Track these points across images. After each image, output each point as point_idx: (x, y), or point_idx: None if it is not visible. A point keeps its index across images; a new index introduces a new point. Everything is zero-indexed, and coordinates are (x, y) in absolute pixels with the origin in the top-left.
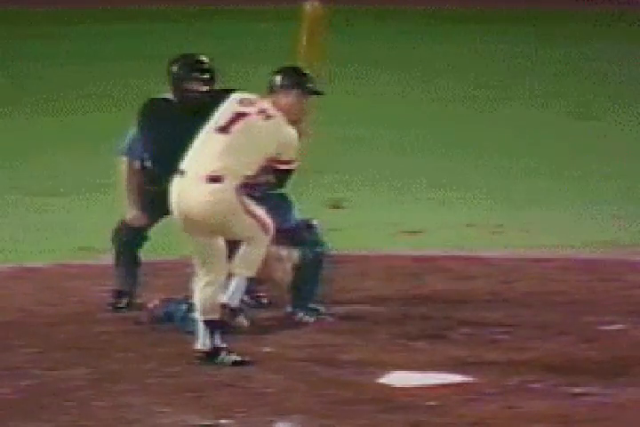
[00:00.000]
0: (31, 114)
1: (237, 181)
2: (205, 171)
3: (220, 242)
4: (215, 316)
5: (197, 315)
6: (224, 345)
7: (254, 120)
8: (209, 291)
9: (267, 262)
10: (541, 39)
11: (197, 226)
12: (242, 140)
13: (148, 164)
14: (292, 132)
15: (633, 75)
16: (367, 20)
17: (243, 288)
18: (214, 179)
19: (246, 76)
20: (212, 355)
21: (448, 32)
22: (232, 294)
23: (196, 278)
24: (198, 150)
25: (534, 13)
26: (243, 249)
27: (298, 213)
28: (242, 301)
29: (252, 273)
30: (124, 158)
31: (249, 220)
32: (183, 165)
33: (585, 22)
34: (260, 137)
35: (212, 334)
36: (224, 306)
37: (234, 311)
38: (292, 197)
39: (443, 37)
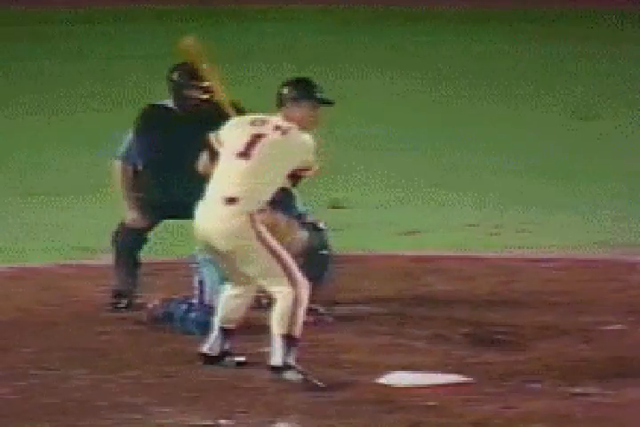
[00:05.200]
0: (29, 114)
1: (253, 207)
2: (223, 194)
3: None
4: (232, 325)
5: (215, 320)
6: (230, 350)
7: (272, 138)
8: (234, 303)
9: (277, 228)
10: (542, 39)
11: (217, 253)
12: (264, 161)
13: (141, 170)
14: (309, 139)
15: (633, 75)
16: (367, 20)
17: (283, 346)
18: (229, 201)
19: (245, 77)
20: (216, 359)
21: (447, 32)
22: (275, 354)
23: (226, 286)
24: (219, 176)
25: (534, 13)
26: (275, 305)
27: (302, 207)
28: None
29: (287, 332)
30: (118, 163)
31: (268, 256)
32: (206, 191)
33: (585, 22)
34: (282, 153)
35: (223, 340)
36: (273, 368)
37: (281, 370)
38: (295, 192)
39: (442, 37)
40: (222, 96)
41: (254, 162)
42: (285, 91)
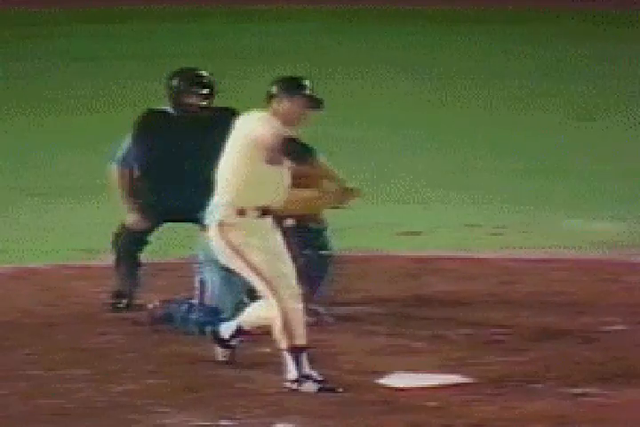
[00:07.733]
0: (30, 114)
1: (224, 215)
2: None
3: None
4: (250, 329)
5: (240, 317)
6: (234, 346)
7: (232, 132)
8: (259, 313)
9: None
10: (542, 40)
11: None
12: (225, 159)
13: (139, 175)
14: (256, 112)
15: (633, 75)
16: (366, 21)
17: (291, 359)
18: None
19: (243, 76)
20: (220, 342)
21: (446, 33)
22: (288, 369)
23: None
24: None
25: (534, 13)
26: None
27: None
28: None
29: (288, 344)
30: (116, 167)
31: (245, 269)
32: None
33: (585, 22)
34: (236, 139)
35: (235, 334)
36: (291, 382)
37: (298, 382)
38: None
39: (441, 38)
40: None
41: (220, 165)
42: (274, 87)
